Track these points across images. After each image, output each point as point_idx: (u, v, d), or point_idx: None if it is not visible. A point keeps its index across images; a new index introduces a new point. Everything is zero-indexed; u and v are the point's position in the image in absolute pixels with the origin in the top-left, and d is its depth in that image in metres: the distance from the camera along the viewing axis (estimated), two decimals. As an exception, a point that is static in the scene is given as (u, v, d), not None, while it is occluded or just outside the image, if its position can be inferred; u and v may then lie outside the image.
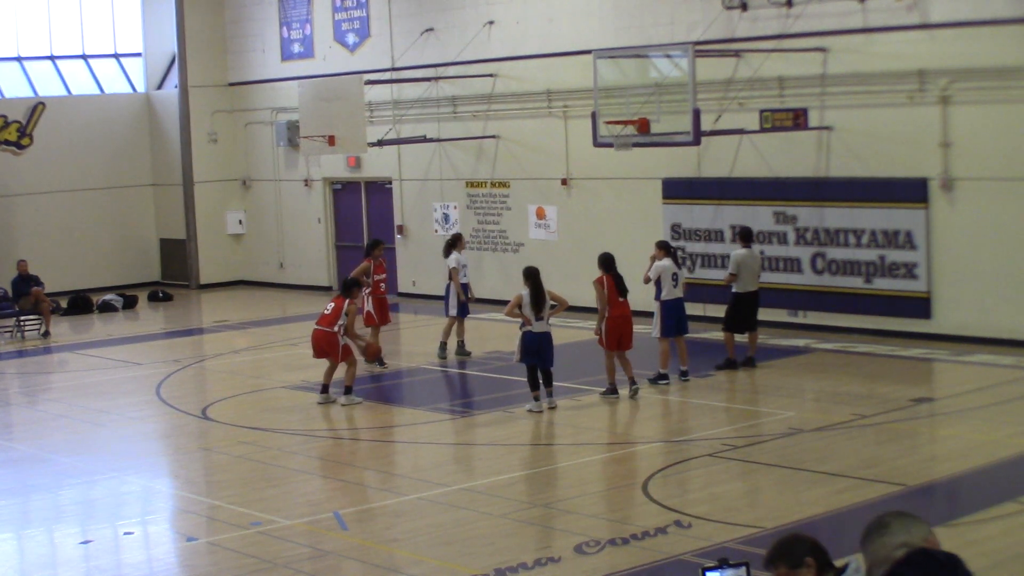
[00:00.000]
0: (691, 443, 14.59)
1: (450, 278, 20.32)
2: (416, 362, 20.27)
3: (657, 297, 17.71)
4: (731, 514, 11.69)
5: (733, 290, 18.66)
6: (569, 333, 21.08)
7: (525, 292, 16.32)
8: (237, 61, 31.28)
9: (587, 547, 10.86)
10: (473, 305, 20.91)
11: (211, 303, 29.66)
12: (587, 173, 24.31)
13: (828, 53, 20.64)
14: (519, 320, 16.44)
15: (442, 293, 21.03)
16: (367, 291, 19.84)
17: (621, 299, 16.85)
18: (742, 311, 18.58)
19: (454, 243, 20.70)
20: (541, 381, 16.37)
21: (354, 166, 28.76)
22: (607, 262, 16.96)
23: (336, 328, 17.25)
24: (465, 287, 20.37)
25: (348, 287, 17.69)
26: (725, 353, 18.59)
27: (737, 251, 18.78)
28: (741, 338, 18.66)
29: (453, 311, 20.32)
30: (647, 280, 17.72)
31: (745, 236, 18.89)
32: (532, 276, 16.41)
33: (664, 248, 17.90)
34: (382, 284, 20.04)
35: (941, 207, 19.67)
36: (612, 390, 16.91)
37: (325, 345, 17.34)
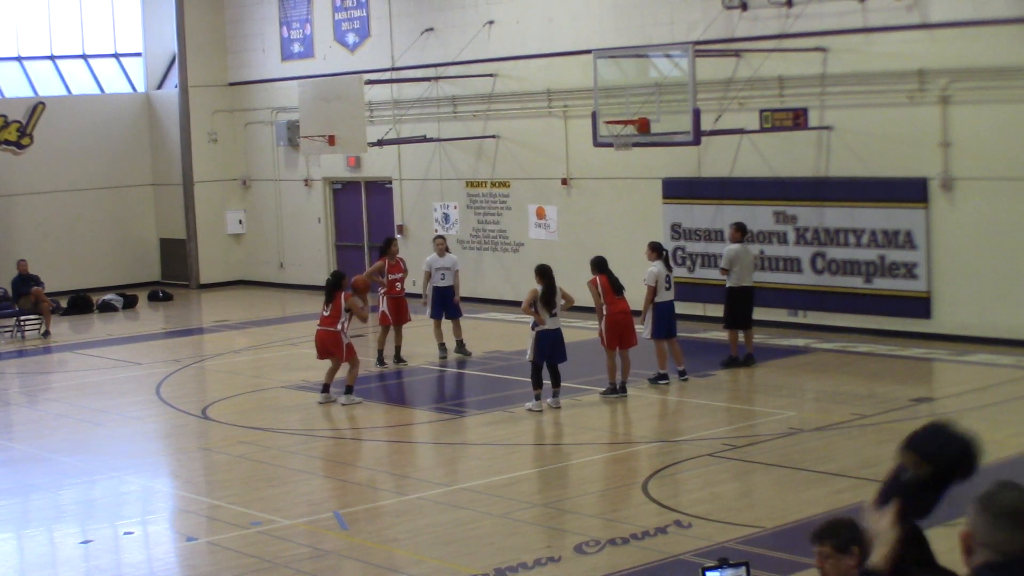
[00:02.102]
0: (691, 443, 14.58)
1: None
2: (416, 362, 20.26)
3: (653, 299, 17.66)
4: (731, 514, 11.69)
5: (727, 285, 18.68)
6: (569, 333, 20.98)
7: (540, 288, 16.33)
8: (237, 61, 31.28)
9: (587, 547, 10.86)
10: (468, 305, 20.83)
11: (211, 303, 29.66)
12: (587, 173, 24.31)
13: (828, 53, 20.64)
14: (531, 320, 16.44)
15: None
16: (382, 291, 19.81)
17: (618, 297, 16.89)
18: (737, 306, 18.60)
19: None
20: (549, 381, 16.37)
21: (354, 166, 28.76)
22: (600, 264, 17.05)
23: (339, 327, 17.22)
24: (448, 289, 20.25)
25: (334, 286, 17.52)
26: (725, 351, 18.63)
27: (730, 246, 18.84)
28: (717, 334, 18.75)
29: (429, 312, 20.39)
30: (650, 294, 17.54)
31: (740, 231, 18.94)
32: (546, 274, 16.45)
33: (656, 250, 17.83)
34: (398, 284, 19.87)
35: (941, 207, 19.67)
36: (612, 389, 16.91)
37: (329, 345, 17.29)
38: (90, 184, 31.13)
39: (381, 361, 19.91)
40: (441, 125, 26.53)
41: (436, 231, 26.71)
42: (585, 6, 23.92)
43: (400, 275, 19.95)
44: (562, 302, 16.48)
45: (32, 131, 30.36)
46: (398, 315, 19.82)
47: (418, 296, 21.70)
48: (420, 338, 21.05)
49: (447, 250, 20.73)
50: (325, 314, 17.36)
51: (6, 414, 18.51)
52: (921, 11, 19.57)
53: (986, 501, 4.06)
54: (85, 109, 31.25)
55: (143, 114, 32.11)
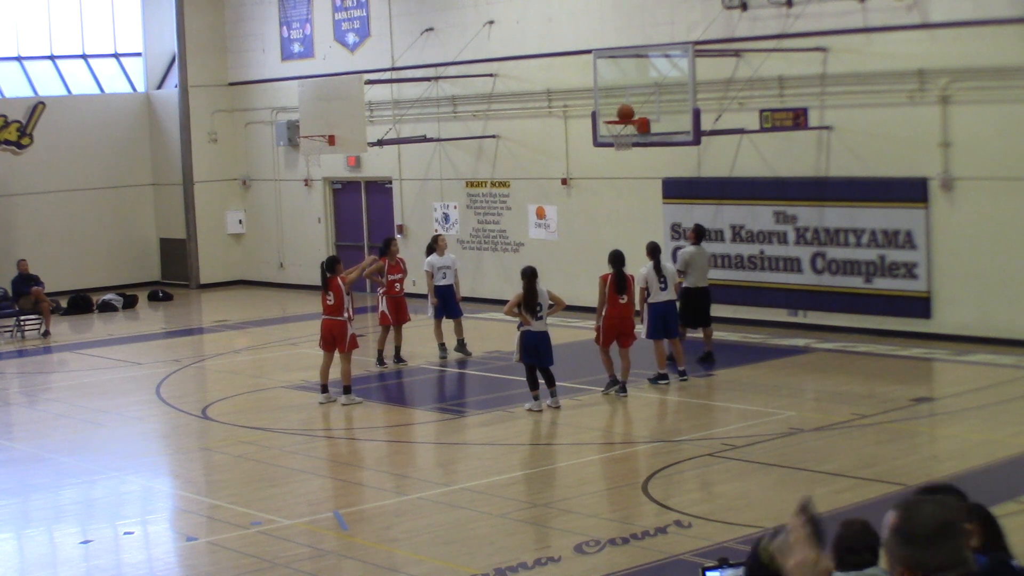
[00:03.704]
0: (691, 443, 14.58)
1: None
2: (416, 362, 20.25)
3: (646, 300, 17.68)
4: (731, 514, 11.69)
5: (683, 286, 18.79)
6: (568, 333, 21.07)
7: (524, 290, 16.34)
8: (237, 61, 31.28)
9: (587, 547, 10.87)
10: (468, 305, 20.80)
11: (211, 303, 29.65)
12: (587, 173, 24.30)
13: (828, 53, 20.64)
14: (517, 320, 16.45)
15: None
16: (381, 291, 19.81)
17: (622, 300, 16.84)
18: (692, 306, 18.75)
19: (432, 245, 20.64)
20: (542, 380, 16.36)
21: (354, 166, 28.75)
22: (612, 259, 17.00)
23: (344, 315, 17.22)
24: (448, 288, 20.25)
25: (329, 268, 17.50)
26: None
27: (686, 248, 19.06)
28: (694, 333, 18.96)
29: (430, 313, 20.33)
30: (642, 295, 17.57)
31: (698, 234, 19.14)
32: (526, 276, 16.43)
33: (650, 252, 17.80)
34: (397, 284, 19.83)
35: (941, 207, 19.67)
36: (613, 380, 16.89)
37: (336, 333, 17.26)
38: (90, 184, 31.12)
39: (381, 361, 19.90)
40: (441, 125, 26.53)
41: (436, 231, 26.71)
42: (585, 6, 23.92)
43: (400, 275, 19.92)
44: (551, 304, 16.44)
45: (32, 131, 30.36)
46: (398, 315, 19.81)
47: (418, 296, 21.66)
48: (420, 338, 21.05)
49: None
50: (329, 303, 17.32)
51: (6, 414, 18.50)
52: (921, 11, 19.57)
53: (908, 531, 3.76)
54: (85, 109, 31.24)
55: (143, 114, 32.11)
